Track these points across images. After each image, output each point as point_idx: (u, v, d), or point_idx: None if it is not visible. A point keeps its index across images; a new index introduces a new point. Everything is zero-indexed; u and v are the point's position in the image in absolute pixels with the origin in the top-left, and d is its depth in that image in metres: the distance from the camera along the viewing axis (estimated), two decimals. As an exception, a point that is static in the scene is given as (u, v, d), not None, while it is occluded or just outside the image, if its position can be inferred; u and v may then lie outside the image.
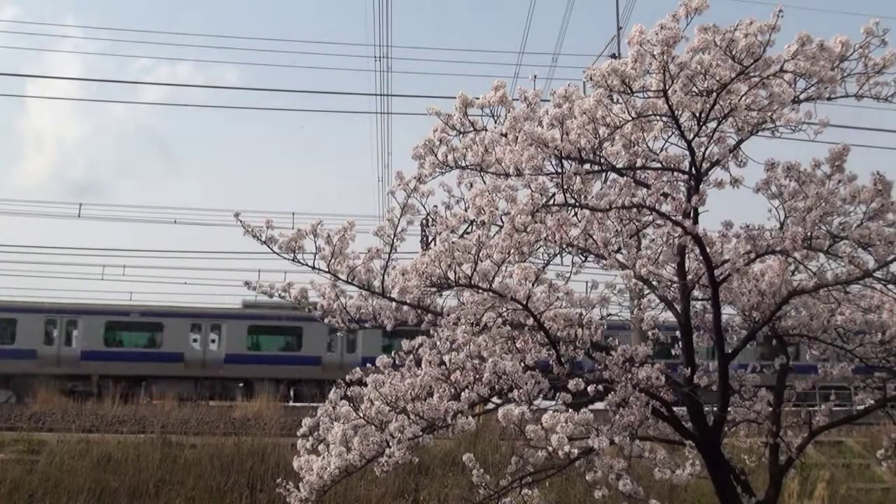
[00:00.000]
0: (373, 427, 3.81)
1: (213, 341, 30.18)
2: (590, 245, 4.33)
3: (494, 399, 3.95)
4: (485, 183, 4.29)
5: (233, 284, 38.80)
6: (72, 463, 12.25)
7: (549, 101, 4.18)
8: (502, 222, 4.04)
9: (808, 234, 3.82)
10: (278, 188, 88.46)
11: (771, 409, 4.71)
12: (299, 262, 4.11)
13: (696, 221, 3.94)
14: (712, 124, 3.95)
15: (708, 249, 4.05)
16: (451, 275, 3.89)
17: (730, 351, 4.46)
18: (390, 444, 3.69)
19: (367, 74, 64.07)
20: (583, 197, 4.04)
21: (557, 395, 3.89)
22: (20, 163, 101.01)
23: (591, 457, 3.94)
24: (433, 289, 4.12)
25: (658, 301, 4.72)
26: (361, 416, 3.85)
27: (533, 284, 3.96)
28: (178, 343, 29.47)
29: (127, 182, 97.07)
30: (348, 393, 4.08)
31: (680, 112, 3.86)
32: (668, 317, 4.70)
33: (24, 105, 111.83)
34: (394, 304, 4.36)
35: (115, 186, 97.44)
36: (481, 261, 3.84)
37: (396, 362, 4.25)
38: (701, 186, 3.99)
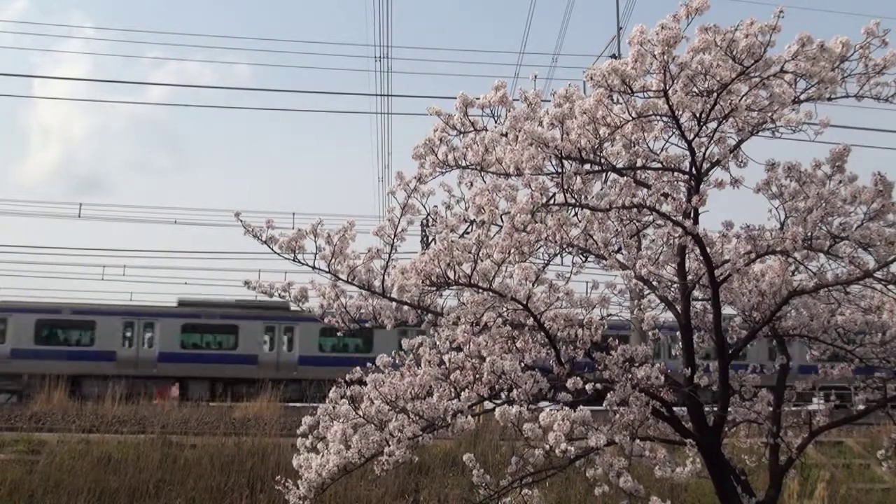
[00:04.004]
0: (372, 426, 3.81)
1: None
2: (590, 245, 4.33)
3: (493, 401, 3.95)
4: (485, 182, 4.29)
5: (233, 284, 38.82)
6: (72, 463, 12.24)
7: (549, 101, 4.19)
8: (502, 222, 4.04)
9: (809, 234, 3.82)
10: (278, 188, 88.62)
11: (771, 409, 4.71)
12: (300, 262, 4.10)
13: (696, 222, 3.94)
14: (713, 124, 3.95)
15: (708, 249, 4.05)
16: (450, 274, 3.89)
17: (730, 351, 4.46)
18: (390, 442, 3.69)
19: (367, 74, 64.12)
20: (583, 197, 4.04)
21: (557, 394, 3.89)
22: (25, 159, 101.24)
23: (591, 455, 3.95)
24: (433, 288, 4.12)
25: (658, 301, 4.71)
26: (361, 414, 3.86)
27: (533, 284, 3.96)
28: None
29: (128, 179, 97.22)
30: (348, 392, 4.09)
31: (680, 112, 3.86)
32: (668, 317, 4.70)
33: (30, 101, 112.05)
34: (394, 304, 4.37)
35: (117, 184, 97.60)
36: (481, 260, 3.84)
37: (396, 362, 4.26)
38: (701, 187, 3.99)
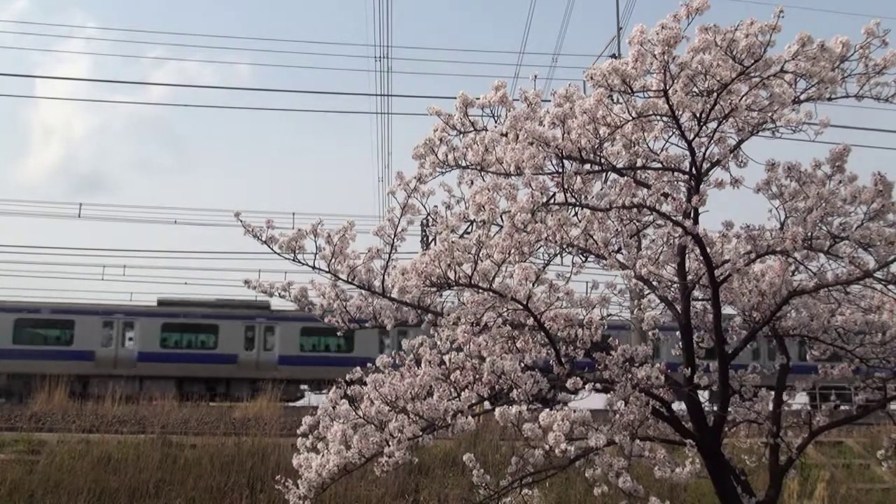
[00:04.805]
0: (372, 426, 3.81)
1: None
2: (590, 245, 4.33)
3: (492, 402, 3.95)
4: (485, 182, 4.29)
5: (233, 284, 38.81)
6: (72, 463, 12.24)
7: (549, 101, 4.19)
8: (502, 221, 4.04)
9: (809, 234, 3.82)
10: (278, 188, 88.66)
11: (771, 409, 4.71)
12: (300, 261, 4.10)
13: (696, 221, 3.94)
14: (713, 124, 3.95)
15: (708, 249, 4.05)
16: (451, 274, 3.89)
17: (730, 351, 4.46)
18: (390, 443, 3.69)
19: (367, 74, 64.13)
20: (583, 197, 4.04)
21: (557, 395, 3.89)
22: (25, 159, 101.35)
23: (591, 455, 3.95)
24: (433, 289, 4.12)
25: (658, 301, 4.71)
26: (361, 415, 3.85)
27: (533, 284, 3.96)
28: None
29: (128, 178, 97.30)
30: (348, 392, 4.09)
31: (680, 112, 3.86)
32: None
33: (31, 101, 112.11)
34: (394, 303, 4.37)
35: (118, 183, 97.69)
36: (481, 260, 3.84)
37: (396, 362, 4.26)
38: (701, 187, 3.99)
